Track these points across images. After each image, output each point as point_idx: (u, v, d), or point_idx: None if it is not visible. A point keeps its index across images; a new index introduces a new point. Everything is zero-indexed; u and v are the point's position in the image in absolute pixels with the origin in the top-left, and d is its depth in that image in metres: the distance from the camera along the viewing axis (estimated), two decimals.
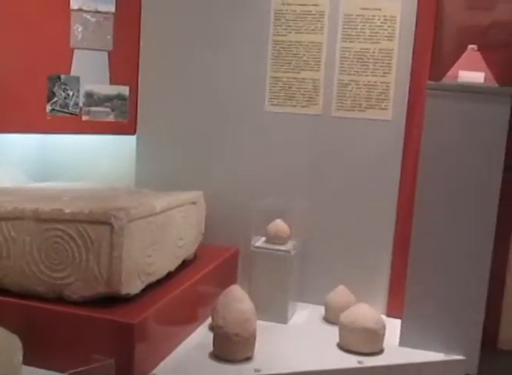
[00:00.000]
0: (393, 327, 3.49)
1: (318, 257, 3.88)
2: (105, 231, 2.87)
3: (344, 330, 3.34)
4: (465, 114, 3.24)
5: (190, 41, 4.00)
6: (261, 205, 3.68)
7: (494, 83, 3.30)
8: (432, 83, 3.35)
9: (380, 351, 3.33)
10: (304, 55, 3.85)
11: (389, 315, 3.78)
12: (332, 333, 3.44)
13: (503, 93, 3.23)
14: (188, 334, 3.37)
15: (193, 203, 3.65)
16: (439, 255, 3.34)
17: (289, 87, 3.88)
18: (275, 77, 3.90)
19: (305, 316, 3.78)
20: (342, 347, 3.34)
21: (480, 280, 3.30)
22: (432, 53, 3.54)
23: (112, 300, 2.91)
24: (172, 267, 3.37)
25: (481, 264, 3.29)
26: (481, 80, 3.29)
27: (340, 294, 3.69)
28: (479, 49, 3.40)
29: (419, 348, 3.37)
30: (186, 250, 3.56)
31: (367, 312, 3.35)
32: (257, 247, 3.70)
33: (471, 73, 3.30)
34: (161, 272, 3.24)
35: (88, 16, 3.94)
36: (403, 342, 3.41)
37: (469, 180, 3.27)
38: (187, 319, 3.40)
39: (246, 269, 3.78)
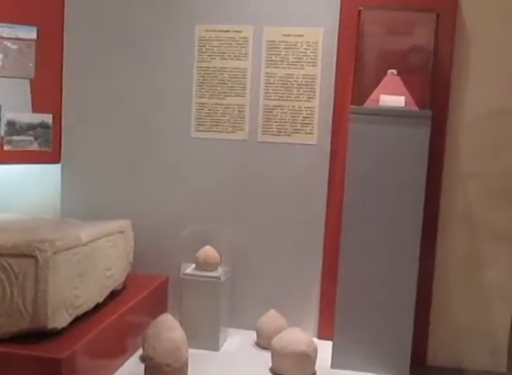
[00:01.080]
0: (325, 349, 3.51)
1: (249, 282, 3.88)
2: (30, 264, 2.78)
3: (276, 354, 3.34)
4: (387, 137, 3.33)
5: (115, 68, 3.97)
6: (190, 232, 3.66)
7: (414, 107, 3.40)
8: (355, 107, 3.43)
9: None
10: (229, 81, 3.87)
11: (320, 337, 3.80)
12: (265, 358, 3.43)
13: (423, 116, 3.33)
14: (118, 367, 3.30)
15: (121, 232, 3.60)
16: (366, 278, 3.39)
17: (215, 113, 3.89)
18: (200, 103, 3.91)
19: (237, 342, 3.76)
20: (275, 372, 3.34)
21: (407, 301, 3.37)
22: (354, 78, 3.61)
23: (39, 335, 2.82)
24: (100, 298, 3.30)
25: (407, 286, 3.36)
26: (402, 104, 3.39)
27: (271, 318, 3.69)
28: (399, 73, 3.50)
29: (351, 369, 3.41)
30: (115, 280, 3.49)
31: (298, 335, 3.36)
32: (187, 274, 3.67)
33: (392, 97, 3.40)
34: (89, 304, 3.17)
35: (9, 44, 3.86)
36: (335, 364, 3.44)
37: (394, 201, 3.35)
38: (117, 351, 3.33)
39: (176, 297, 3.73)
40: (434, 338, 3.82)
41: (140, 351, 3.41)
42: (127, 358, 3.40)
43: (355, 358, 3.41)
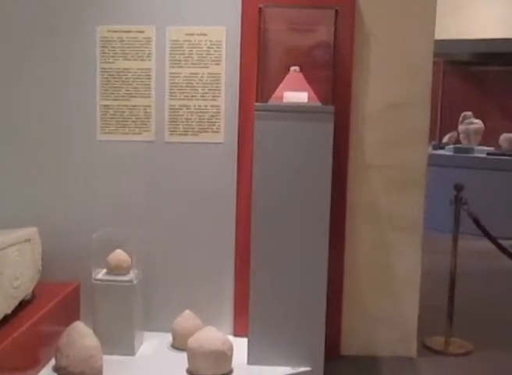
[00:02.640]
0: (242, 346, 3.52)
1: (162, 284, 3.84)
2: None
3: (192, 355, 3.33)
4: (292, 133, 3.38)
5: (15, 71, 3.84)
6: (100, 237, 3.59)
7: (317, 102, 3.46)
8: (259, 104, 3.47)
9: (229, 372, 3.35)
10: (134, 81, 3.82)
11: (236, 334, 3.81)
12: (181, 359, 3.41)
13: (326, 111, 3.40)
14: None
15: (28, 240, 3.49)
16: (278, 273, 3.43)
17: (121, 115, 3.84)
18: (105, 105, 3.84)
19: (153, 345, 3.73)
20: (191, 372, 3.33)
21: (318, 293, 3.43)
22: (258, 75, 3.64)
23: None
24: (8, 309, 3.19)
25: (318, 279, 3.42)
26: (305, 100, 3.44)
27: (186, 319, 3.67)
28: (302, 70, 3.55)
29: (267, 364, 3.44)
30: (23, 290, 3.39)
31: (214, 334, 3.36)
32: (98, 279, 3.60)
33: (295, 94, 3.44)
34: None
35: None
36: (252, 360, 3.46)
37: (301, 196, 3.40)
38: (29, 362, 3.23)
39: (89, 304, 3.65)
40: (347, 328, 3.92)
41: (53, 362, 3.33)
42: (40, 369, 3.31)
43: (271, 353, 3.44)
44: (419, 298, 3.99)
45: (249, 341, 3.48)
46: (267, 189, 3.40)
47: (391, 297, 3.94)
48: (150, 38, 3.80)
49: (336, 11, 3.57)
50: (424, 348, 4.14)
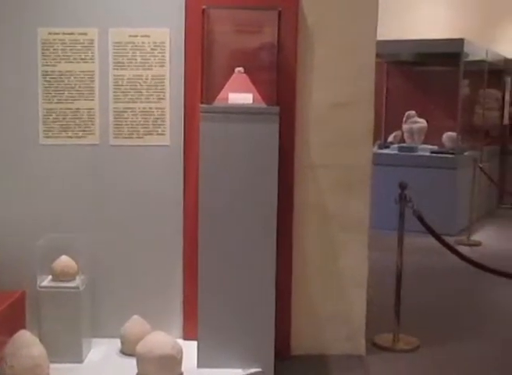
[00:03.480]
0: (192, 350, 3.50)
1: (110, 289, 3.79)
2: None
3: (142, 360, 3.29)
4: (238, 134, 3.38)
5: None
6: (44, 243, 3.52)
7: (262, 104, 3.47)
8: (204, 106, 3.46)
9: None
10: (77, 84, 3.76)
11: (186, 338, 3.78)
12: (130, 364, 3.37)
13: (271, 112, 3.41)
14: None
15: None
16: (226, 275, 3.43)
17: (64, 118, 3.77)
18: (48, 109, 3.77)
19: (101, 351, 3.67)
20: None
21: (267, 295, 3.43)
22: (202, 77, 3.63)
23: None
24: None
25: (266, 280, 3.43)
26: (250, 101, 3.44)
27: (135, 324, 3.63)
28: (247, 71, 3.55)
29: (217, 366, 3.42)
30: None
31: (162, 338, 3.33)
32: (44, 286, 3.53)
33: (240, 95, 3.44)
34: None
35: None
36: (201, 363, 3.44)
37: (248, 197, 3.40)
38: None
39: (35, 312, 3.58)
40: (296, 328, 3.93)
41: None
42: None
43: (221, 356, 3.43)
44: (367, 295, 4.03)
45: (198, 344, 3.47)
46: (213, 191, 3.39)
47: (339, 296, 3.97)
48: (92, 40, 3.75)
49: (279, 12, 3.58)
50: (373, 346, 4.20)
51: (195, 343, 3.52)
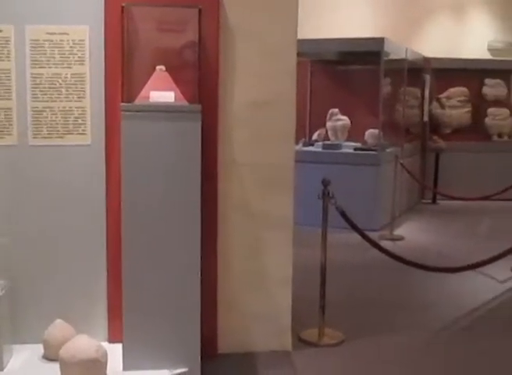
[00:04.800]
0: (118, 353, 3.45)
1: (31, 294, 3.68)
2: None
3: (65, 365, 3.22)
4: (160, 133, 3.35)
5: None
6: None
7: (184, 102, 3.45)
8: (125, 104, 3.41)
9: None
10: None
11: (111, 341, 3.72)
12: (53, 370, 3.29)
13: (193, 110, 3.39)
14: None
15: None
16: (150, 276, 3.39)
17: None
18: None
19: (23, 357, 3.56)
20: None
21: (192, 293, 3.41)
22: (123, 75, 3.58)
23: None
24: None
25: (191, 279, 3.41)
26: (172, 99, 3.42)
27: (58, 328, 3.55)
28: (169, 69, 3.52)
29: (143, 368, 3.38)
30: None
31: (86, 342, 3.27)
32: None
33: (162, 93, 3.41)
34: None
35: None
36: (127, 366, 3.40)
37: (171, 197, 3.38)
38: None
39: None
40: (223, 326, 3.93)
41: None
42: None
43: (147, 357, 3.39)
44: (292, 292, 4.07)
45: (124, 347, 3.42)
46: (136, 190, 3.35)
47: (265, 292, 3.99)
48: (8, 38, 3.63)
49: (200, 10, 3.56)
50: (300, 341, 4.24)
51: (120, 345, 3.47)
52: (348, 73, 9.83)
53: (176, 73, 3.57)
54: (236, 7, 3.79)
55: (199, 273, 3.42)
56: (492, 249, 5.04)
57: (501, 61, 10.88)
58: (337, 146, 8.48)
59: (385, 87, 8.78)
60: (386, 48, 8.08)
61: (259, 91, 3.85)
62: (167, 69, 3.52)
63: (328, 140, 9.05)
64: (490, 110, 10.88)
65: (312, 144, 8.87)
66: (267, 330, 4.02)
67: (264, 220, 3.93)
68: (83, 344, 3.25)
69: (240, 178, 3.89)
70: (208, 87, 3.70)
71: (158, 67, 3.51)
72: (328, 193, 4.24)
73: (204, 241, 3.48)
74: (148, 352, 3.39)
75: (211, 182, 3.74)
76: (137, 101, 3.42)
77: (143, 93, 3.44)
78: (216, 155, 3.79)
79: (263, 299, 3.99)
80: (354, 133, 9.08)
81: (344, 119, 9.08)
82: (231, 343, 3.95)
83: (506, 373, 3.92)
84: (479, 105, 10.96)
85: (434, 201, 10.28)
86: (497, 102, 10.94)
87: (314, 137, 9.33)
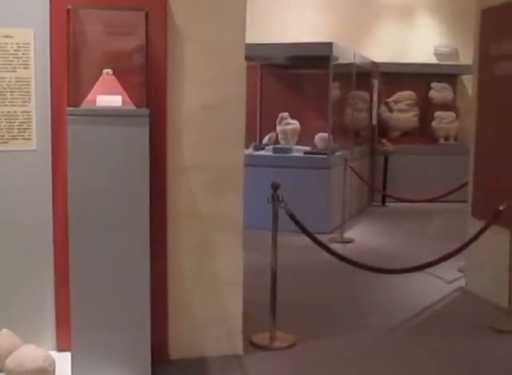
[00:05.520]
0: (67, 361, 3.39)
1: None
2: None
3: None
4: (107, 137, 3.31)
5: None
6: None
7: (131, 106, 3.42)
8: (71, 109, 3.36)
9: None
10: None
11: (60, 349, 3.66)
12: None
13: (141, 114, 3.36)
14: None
15: None
16: (99, 282, 3.35)
17: None
18: None
19: None
20: None
21: (142, 299, 3.38)
22: (68, 79, 3.53)
23: None
24: None
25: (141, 284, 3.38)
26: (119, 104, 3.38)
27: (4, 338, 3.47)
28: (116, 73, 3.48)
29: None
30: None
31: (33, 351, 3.22)
32: None
33: (109, 97, 3.37)
34: None
35: None
36: (76, 374, 3.34)
37: (119, 202, 3.34)
38: None
39: None
40: (174, 331, 3.89)
41: None
42: None
43: (96, 365, 3.34)
44: (244, 295, 4.06)
45: (72, 355, 3.36)
46: (83, 196, 3.30)
47: (216, 297, 3.97)
48: None
49: (147, 13, 3.53)
50: (251, 345, 4.23)
51: (69, 354, 3.42)
52: (298, 77, 9.90)
53: (124, 77, 3.53)
54: (183, 10, 3.77)
55: (148, 278, 3.39)
56: (439, 250, 5.11)
57: (447, 65, 11.10)
58: (287, 150, 8.52)
59: (335, 91, 8.86)
60: (335, 52, 8.16)
61: (208, 94, 3.84)
62: (114, 73, 3.49)
63: (279, 144, 9.09)
64: (437, 114, 11.09)
65: (263, 148, 8.89)
66: (218, 335, 4.00)
67: (214, 223, 3.91)
68: (30, 353, 3.20)
69: (190, 181, 3.86)
70: (156, 90, 3.67)
71: (104, 71, 3.47)
72: (278, 197, 4.25)
73: (153, 245, 3.45)
74: (97, 360, 3.34)
75: (160, 186, 3.71)
76: (84, 106, 3.38)
77: (89, 97, 3.39)
78: (165, 159, 3.76)
79: (214, 303, 3.97)
80: (304, 136, 9.13)
81: (294, 123, 9.13)
82: (182, 348, 3.92)
83: (454, 372, 3.99)
84: (426, 108, 11.16)
85: (383, 203, 10.42)
86: (444, 106, 11.15)
87: (265, 141, 9.35)
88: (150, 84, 3.62)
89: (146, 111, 3.39)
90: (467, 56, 6.52)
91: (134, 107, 3.43)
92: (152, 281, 3.43)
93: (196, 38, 3.81)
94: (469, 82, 6.90)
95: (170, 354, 3.89)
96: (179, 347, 3.91)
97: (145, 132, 3.33)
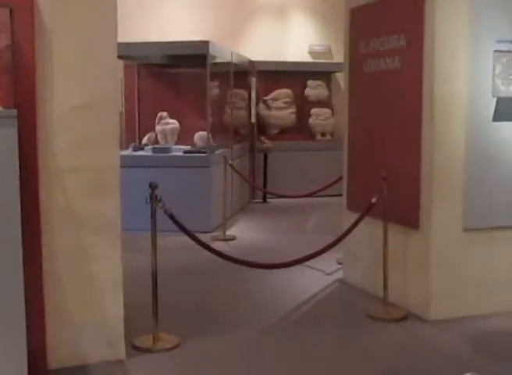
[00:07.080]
0: None
1: None
2: None
3: None
4: None
5: None
6: None
7: None
8: None
9: None
10: None
11: None
12: None
13: (8, 115, 3.21)
14: None
15: None
16: None
17: None
18: None
19: None
20: None
21: (15, 308, 3.22)
22: None
23: None
24: None
25: (14, 292, 3.21)
26: None
27: None
28: None
29: None
30: None
31: None
32: None
33: None
34: None
35: None
36: None
37: None
38: None
39: None
40: (52, 340, 3.76)
41: None
42: None
43: None
44: (124, 298, 3.99)
45: None
46: None
47: (95, 301, 3.87)
48: None
49: (11, 10, 3.39)
50: (134, 349, 4.15)
51: None
52: (176, 76, 9.86)
53: None
54: (51, 7, 3.65)
55: (22, 284, 3.23)
56: (319, 243, 5.23)
57: (322, 63, 11.41)
58: (167, 150, 8.46)
59: (213, 89, 8.89)
60: (212, 51, 8.17)
61: (80, 94, 3.74)
62: None
63: (158, 144, 9.01)
64: (313, 111, 11.38)
65: (142, 149, 8.78)
66: (99, 340, 3.90)
67: (91, 226, 3.81)
68: None
69: (64, 184, 3.74)
70: (24, 91, 3.53)
71: None
72: (156, 196, 4.20)
73: (26, 251, 3.30)
74: None
75: (31, 190, 3.56)
76: None
77: None
78: (36, 162, 3.62)
79: (94, 308, 3.87)
80: (184, 136, 9.11)
81: (173, 123, 9.09)
82: (62, 356, 3.79)
83: (334, 362, 4.10)
84: (303, 105, 11.42)
85: (264, 200, 10.57)
86: (319, 103, 11.46)
87: (144, 141, 9.24)
88: (18, 84, 3.48)
89: (14, 111, 3.24)
90: (339, 54, 6.69)
91: (1, 108, 3.28)
92: (26, 288, 3.28)
93: (65, 37, 3.70)
94: (342, 79, 7.09)
95: (49, 364, 3.76)
96: (58, 355, 3.78)
97: (13, 134, 3.18)
